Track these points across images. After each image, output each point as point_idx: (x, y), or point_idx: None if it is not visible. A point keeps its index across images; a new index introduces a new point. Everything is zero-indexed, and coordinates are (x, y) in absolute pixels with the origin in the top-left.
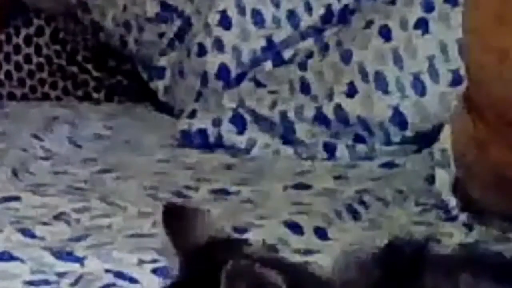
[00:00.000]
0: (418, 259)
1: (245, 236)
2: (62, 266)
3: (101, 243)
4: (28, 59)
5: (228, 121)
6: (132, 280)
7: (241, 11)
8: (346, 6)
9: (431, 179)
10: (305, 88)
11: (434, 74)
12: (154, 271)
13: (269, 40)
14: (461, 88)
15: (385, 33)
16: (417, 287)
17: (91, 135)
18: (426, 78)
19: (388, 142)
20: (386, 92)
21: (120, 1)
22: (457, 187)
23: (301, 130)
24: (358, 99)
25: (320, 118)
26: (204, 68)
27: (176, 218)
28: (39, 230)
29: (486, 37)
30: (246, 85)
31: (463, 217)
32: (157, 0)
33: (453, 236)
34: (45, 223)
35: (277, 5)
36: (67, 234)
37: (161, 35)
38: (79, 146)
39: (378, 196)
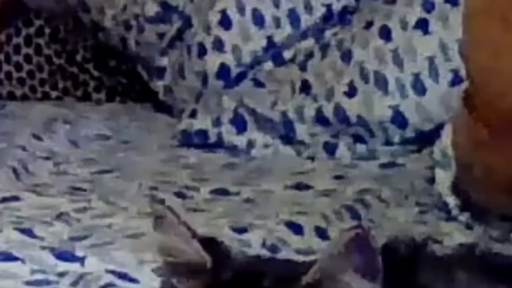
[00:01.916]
0: (415, 258)
1: (245, 236)
2: (62, 266)
3: (101, 243)
4: (28, 59)
5: (228, 121)
6: (132, 280)
7: (241, 11)
8: (346, 6)
9: (431, 179)
10: (305, 88)
11: (434, 74)
12: (154, 271)
13: (269, 40)
14: (461, 88)
15: (385, 33)
16: (413, 286)
17: (91, 135)
18: (426, 78)
19: (388, 142)
20: (386, 92)
21: (120, 1)
22: (457, 187)
23: (301, 130)
24: (358, 99)
25: (320, 118)
26: (204, 68)
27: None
28: (39, 230)
29: (486, 37)
30: (246, 85)
31: (463, 217)
32: (157, 0)
33: (453, 236)
34: (45, 223)
35: (277, 5)
36: (67, 234)
37: (161, 35)
38: (79, 146)
39: (378, 196)
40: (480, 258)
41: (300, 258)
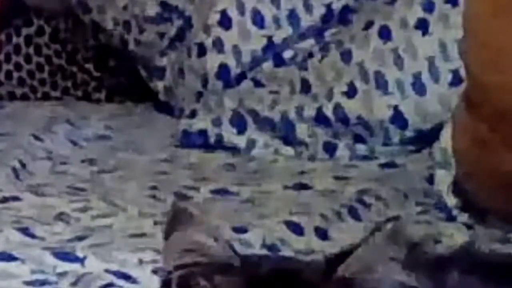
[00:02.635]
0: (407, 258)
1: (245, 236)
2: (62, 266)
3: (101, 243)
4: (28, 59)
5: (228, 121)
6: (132, 280)
7: (241, 11)
8: (346, 6)
9: (431, 179)
10: (305, 88)
11: (434, 74)
12: (154, 271)
13: (269, 40)
14: (461, 88)
15: (385, 33)
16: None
17: (91, 135)
18: (426, 78)
19: (388, 142)
20: (386, 92)
21: (120, 1)
22: (457, 187)
23: (301, 130)
24: (358, 99)
25: (320, 118)
26: (204, 68)
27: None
28: (39, 230)
29: (485, 36)
30: (246, 85)
31: (463, 217)
32: (157, 0)
33: (453, 236)
34: (45, 223)
35: (277, 5)
36: (67, 234)
37: (161, 35)
38: (79, 146)
39: (378, 196)
40: (474, 258)
41: (300, 258)
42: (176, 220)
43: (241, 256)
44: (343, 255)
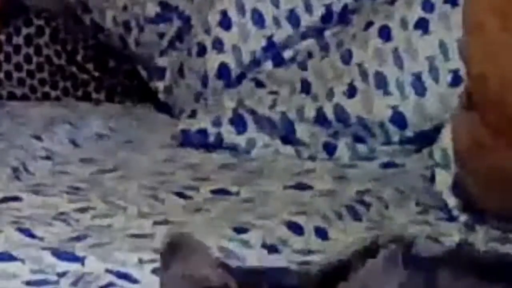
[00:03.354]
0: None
1: (245, 236)
2: (62, 266)
3: (101, 243)
4: (28, 59)
5: (228, 121)
6: (132, 280)
7: (241, 11)
8: (346, 6)
9: (431, 179)
10: (305, 88)
11: (434, 74)
12: (154, 271)
13: (269, 40)
14: (461, 88)
15: (385, 33)
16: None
17: (91, 135)
18: (426, 78)
19: (388, 142)
20: (386, 92)
21: (120, 1)
22: (457, 187)
23: (301, 130)
24: (358, 99)
25: (320, 118)
26: (204, 68)
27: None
28: (39, 230)
29: (485, 35)
30: (246, 85)
31: (463, 217)
32: (157, 0)
33: (453, 236)
34: (45, 223)
35: (277, 5)
36: (67, 234)
37: (161, 35)
38: (79, 146)
39: (378, 196)
40: (467, 258)
41: (300, 258)
42: (174, 250)
43: (240, 277)
44: (340, 269)
